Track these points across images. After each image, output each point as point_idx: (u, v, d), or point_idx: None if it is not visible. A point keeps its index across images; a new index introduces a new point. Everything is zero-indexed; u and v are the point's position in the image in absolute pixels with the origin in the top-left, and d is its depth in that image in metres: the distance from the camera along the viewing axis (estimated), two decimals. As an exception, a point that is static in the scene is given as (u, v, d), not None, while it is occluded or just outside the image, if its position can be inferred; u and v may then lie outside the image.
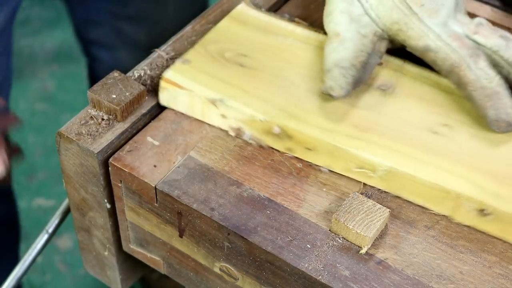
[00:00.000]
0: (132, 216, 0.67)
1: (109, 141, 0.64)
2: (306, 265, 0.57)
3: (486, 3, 0.80)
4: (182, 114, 0.67)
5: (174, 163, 0.64)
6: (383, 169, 0.60)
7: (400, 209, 0.61)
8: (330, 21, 0.67)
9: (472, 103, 0.63)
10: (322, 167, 0.63)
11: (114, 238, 0.71)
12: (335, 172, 0.63)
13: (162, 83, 0.66)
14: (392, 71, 0.67)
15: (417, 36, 0.64)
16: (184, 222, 0.63)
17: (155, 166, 0.63)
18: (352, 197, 0.59)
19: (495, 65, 0.64)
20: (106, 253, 0.73)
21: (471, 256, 0.58)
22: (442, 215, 0.60)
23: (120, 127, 0.65)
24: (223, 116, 0.65)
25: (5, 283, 0.77)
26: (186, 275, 0.69)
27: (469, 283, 0.57)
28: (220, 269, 0.64)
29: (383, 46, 0.67)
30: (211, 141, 0.66)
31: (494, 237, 0.59)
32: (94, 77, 1.29)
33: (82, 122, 0.65)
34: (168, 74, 0.66)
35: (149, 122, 0.67)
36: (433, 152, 0.61)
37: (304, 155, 0.63)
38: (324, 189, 0.62)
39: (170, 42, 0.72)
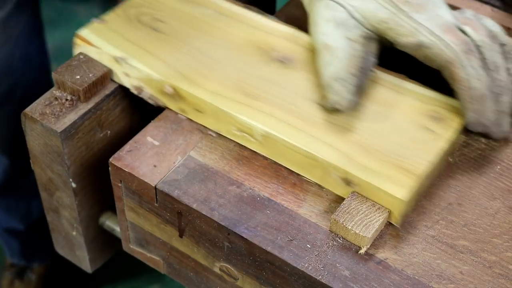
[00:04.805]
0: (132, 216, 0.67)
1: (72, 121, 0.65)
2: (306, 265, 0.57)
3: (486, 3, 0.79)
4: (182, 114, 0.67)
5: (174, 163, 0.64)
6: (260, 133, 0.62)
7: (400, 209, 0.61)
8: (316, 31, 0.66)
9: (458, 98, 0.64)
10: (211, 130, 0.66)
11: (81, 217, 0.72)
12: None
13: (76, 40, 0.69)
14: (296, 46, 0.69)
15: (409, 33, 0.64)
16: (184, 222, 0.63)
17: (155, 166, 0.63)
18: (352, 197, 0.59)
19: None
20: (74, 233, 0.75)
21: (471, 256, 0.58)
22: (316, 183, 0.62)
23: (83, 108, 0.66)
24: (126, 74, 0.68)
25: None
26: (186, 275, 0.69)
27: (469, 283, 0.57)
28: (220, 269, 0.64)
29: (373, 46, 0.66)
30: (211, 141, 0.66)
31: (494, 237, 0.60)
32: None
33: (46, 103, 0.66)
34: (82, 31, 0.70)
35: (113, 103, 0.69)
36: (311, 122, 0.63)
37: (195, 117, 0.66)
38: (324, 189, 0.62)
39: None
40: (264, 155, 0.64)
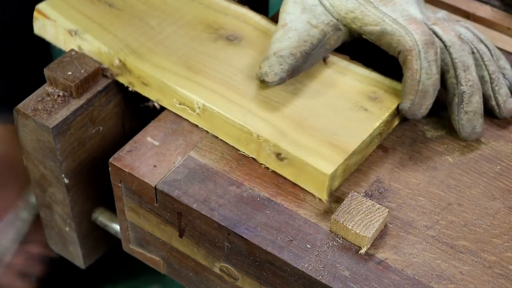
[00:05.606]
0: (132, 216, 0.67)
1: (64, 116, 0.65)
2: (306, 265, 0.57)
3: (486, 3, 0.80)
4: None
5: (174, 163, 0.64)
6: (199, 106, 0.64)
7: (400, 209, 0.61)
8: (282, 10, 0.68)
9: (402, 84, 0.65)
10: (155, 102, 0.68)
11: (73, 213, 0.72)
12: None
13: (35, 14, 0.72)
14: (246, 25, 0.71)
15: (374, 22, 0.65)
16: (184, 222, 0.63)
17: (155, 166, 0.63)
18: (351, 197, 0.59)
19: (441, 59, 0.65)
20: (67, 228, 0.75)
21: (471, 256, 0.58)
22: (251, 157, 0.64)
23: (75, 104, 0.67)
24: (80, 47, 0.70)
25: None
26: (186, 275, 0.69)
27: (469, 283, 0.57)
28: (220, 269, 0.64)
29: (335, 38, 0.67)
30: (211, 141, 0.66)
31: (494, 237, 0.60)
32: None
33: (38, 99, 0.67)
34: (40, 5, 0.72)
35: (105, 99, 0.69)
36: (249, 98, 0.65)
37: (142, 90, 0.68)
38: (324, 189, 0.62)
39: None
40: (203, 128, 0.66)
